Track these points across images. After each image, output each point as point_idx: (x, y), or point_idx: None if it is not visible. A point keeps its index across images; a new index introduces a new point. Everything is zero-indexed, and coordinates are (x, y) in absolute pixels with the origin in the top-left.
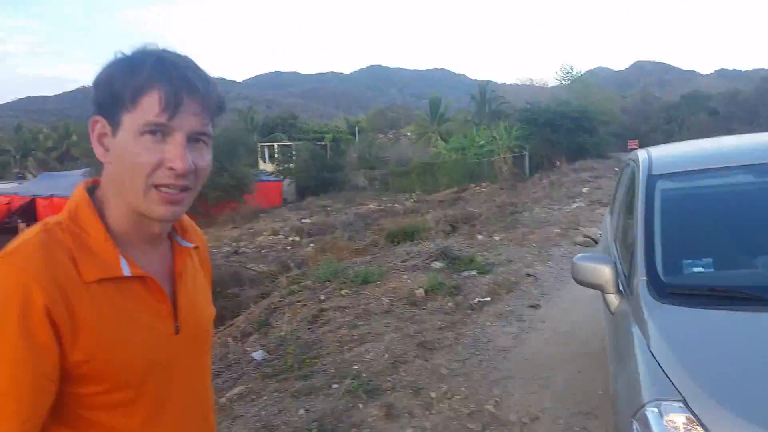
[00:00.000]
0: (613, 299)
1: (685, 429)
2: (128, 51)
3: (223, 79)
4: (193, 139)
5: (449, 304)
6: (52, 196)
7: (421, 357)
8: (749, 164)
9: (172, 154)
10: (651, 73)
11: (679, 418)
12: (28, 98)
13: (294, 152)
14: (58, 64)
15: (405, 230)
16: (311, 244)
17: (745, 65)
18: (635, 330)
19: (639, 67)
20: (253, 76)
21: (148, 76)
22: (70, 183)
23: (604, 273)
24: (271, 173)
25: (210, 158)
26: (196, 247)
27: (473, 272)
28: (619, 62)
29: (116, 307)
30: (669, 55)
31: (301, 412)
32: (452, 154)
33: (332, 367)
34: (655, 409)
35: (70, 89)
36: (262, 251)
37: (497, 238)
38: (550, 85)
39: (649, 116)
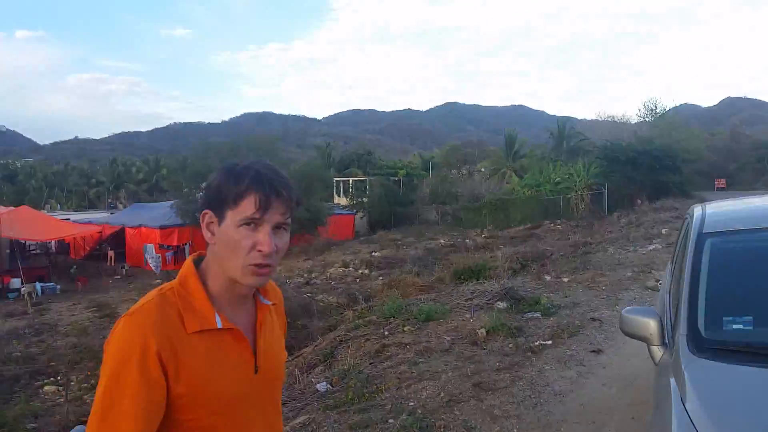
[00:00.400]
0: (657, 351)
1: None
2: (232, 165)
3: (305, 117)
4: (277, 227)
5: (509, 345)
6: (140, 226)
7: (475, 397)
8: None
9: (262, 240)
10: (742, 110)
11: None
12: (123, 133)
13: (367, 187)
14: (152, 102)
15: (471, 268)
16: (380, 278)
17: None
18: (672, 381)
19: (729, 104)
20: (333, 114)
21: (248, 185)
22: (158, 214)
23: (650, 326)
24: (345, 207)
25: (288, 238)
26: (274, 304)
27: (537, 314)
28: (708, 99)
29: (210, 352)
30: (762, 91)
31: None
32: (526, 190)
33: (389, 402)
34: None
35: (162, 125)
36: (332, 283)
37: (566, 280)
38: (632, 122)
39: (739, 155)
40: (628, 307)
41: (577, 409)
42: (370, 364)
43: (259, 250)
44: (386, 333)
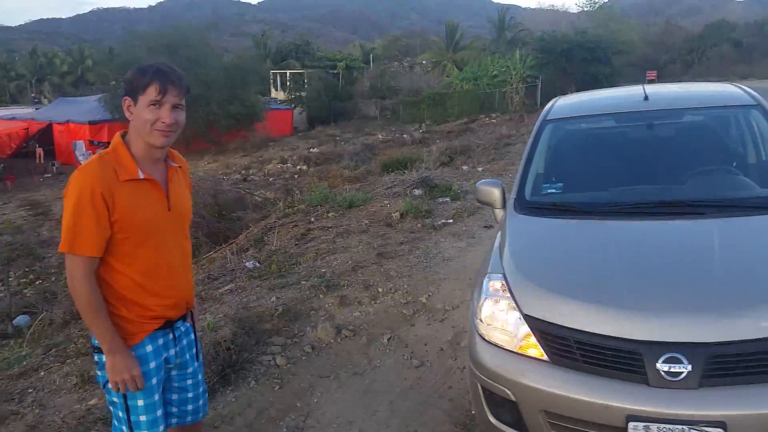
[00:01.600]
0: (498, 213)
1: (502, 291)
2: (140, 65)
3: (239, 1)
4: (174, 106)
5: (418, 225)
6: (68, 122)
7: (377, 263)
8: (617, 112)
9: (163, 114)
10: (681, 0)
11: (498, 284)
12: (41, 20)
13: (306, 80)
14: None
15: (399, 161)
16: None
17: None
18: (500, 232)
19: None
20: None
21: (150, 77)
22: (86, 109)
23: (494, 193)
24: (283, 102)
25: (184, 117)
26: (179, 167)
27: (447, 199)
28: None
29: (135, 193)
30: None
31: (273, 299)
32: (464, 83)
33: (305, 270)
34: (487, 278)
35: (84, 11)
36: (270, 179)
37: (480, 169)
38: (572, 12)
39: (670, 47)
40: (481, 180)
41: (459, 270)
42: (296, 245)
43: (163, 122)
44: (312, 219)
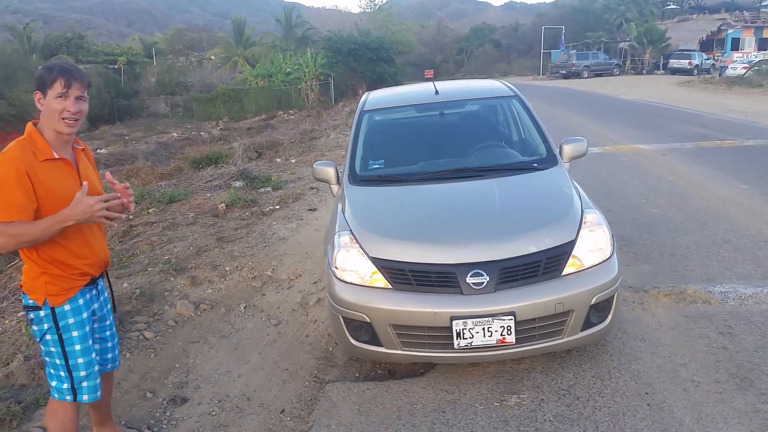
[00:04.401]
0: (335, 188)
1: (350, 243)
2: (47, 64)
3: None
4: (78, 98)
5: (246, 213)
6: None
7: (219, 247)
8: (416, 104)
9: (68, 105)
10: (449, 3)
11: (347, 238)
12: None
13: None
14: None
15: (209, 156)
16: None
17: None
18: (339, 202)
19: None
20: None
21: (57, 74)
22: None
23: (329, 172)
24: None
25: (86, 107)
26: (83, 149)
27: (269, 188)
28: None
29: (53, 171)
30: None
31: (125, 285)
32: (259, 80)
33: (147, 259)
34: (337, 235)
35: None
36: None
37: (293, 161)
38: (355, 12)
39: (443, 47)
40: (317, 161)
41: (296, 246)
42: (120, 242)
43: (68, 111)
44: (131, 217)
